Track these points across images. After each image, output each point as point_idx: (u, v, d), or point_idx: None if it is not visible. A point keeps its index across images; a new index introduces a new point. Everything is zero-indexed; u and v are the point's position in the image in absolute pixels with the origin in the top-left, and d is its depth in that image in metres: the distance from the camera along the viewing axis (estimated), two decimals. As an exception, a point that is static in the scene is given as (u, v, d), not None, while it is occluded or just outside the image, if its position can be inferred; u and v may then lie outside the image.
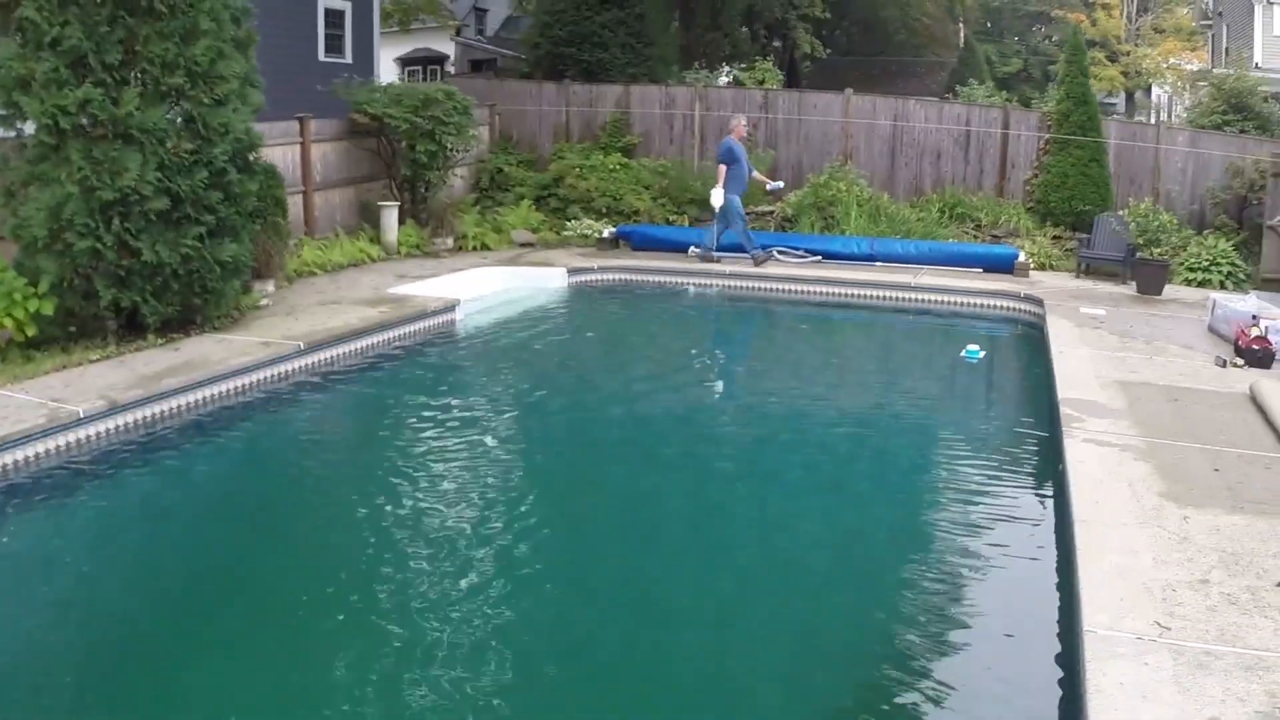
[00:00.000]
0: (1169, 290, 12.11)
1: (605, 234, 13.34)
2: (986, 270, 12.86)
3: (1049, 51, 33.42)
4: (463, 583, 4.59)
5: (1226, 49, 26.71)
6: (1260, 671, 3.69)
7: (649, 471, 6.39)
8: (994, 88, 20.40)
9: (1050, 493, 6.17)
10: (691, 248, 12.92)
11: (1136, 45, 31.08)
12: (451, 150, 12.39)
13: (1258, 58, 23.49)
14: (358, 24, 12.39)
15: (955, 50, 30.36)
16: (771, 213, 14.73)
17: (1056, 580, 4.93)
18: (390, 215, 11.98)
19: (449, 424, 6.97)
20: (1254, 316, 9.13)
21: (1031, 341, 10.31)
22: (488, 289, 10.90)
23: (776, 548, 5.42)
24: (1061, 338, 9.26)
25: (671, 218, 14.29)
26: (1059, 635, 4.42)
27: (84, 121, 6.65)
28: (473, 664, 3.90)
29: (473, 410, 7.40)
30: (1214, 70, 21.80)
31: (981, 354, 9.53)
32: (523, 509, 5.66)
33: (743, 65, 18.43)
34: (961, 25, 30.76)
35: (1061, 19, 32.06)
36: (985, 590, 5.00)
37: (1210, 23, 30.19)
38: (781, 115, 15.25)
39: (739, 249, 12.49)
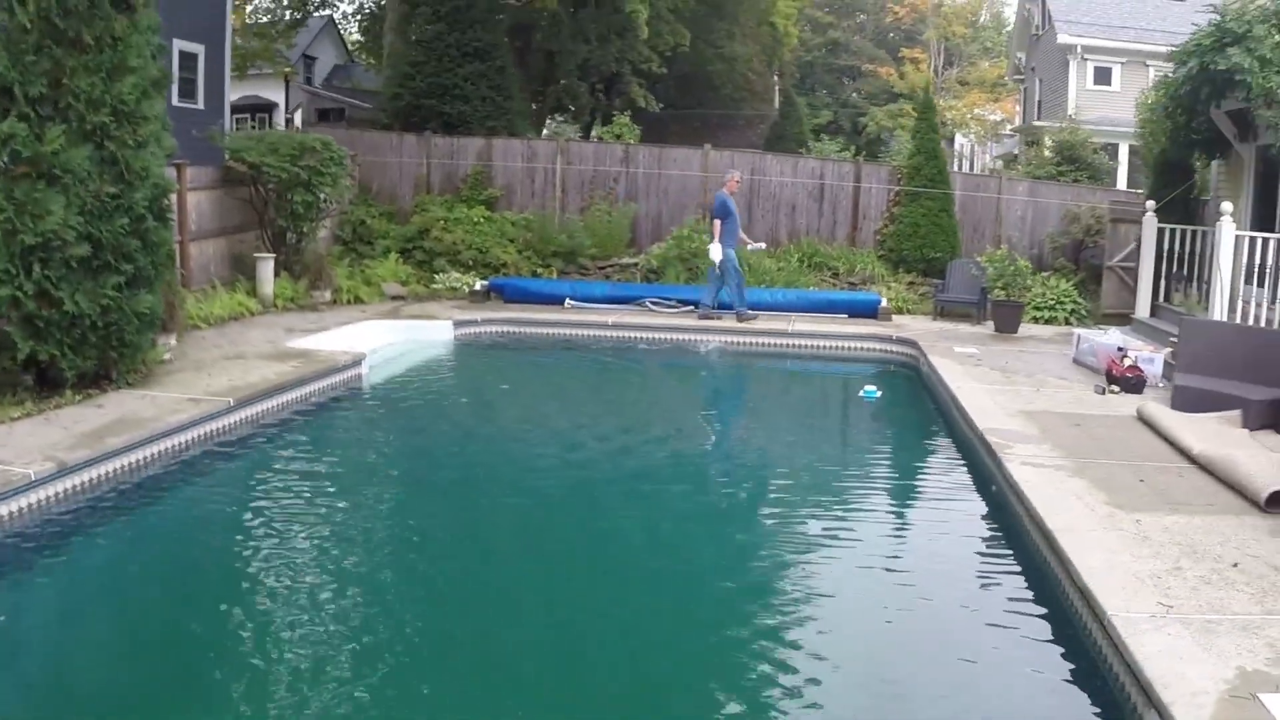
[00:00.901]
0: (1021, 329, 13.72)
1: (477, 286, 13.75)
2: (851, 315, 14.15)
3: (858, 104, 36.48)
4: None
5: (1040, 101, 30.19)
6: (1254, 630, 4.61)
7: (604, 526, 6.77)
8: (844, 143, 22.33)
9: (984, 511, 7.10)
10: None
11: (943, 97, 34.52)
12: (325, 201, 12.54)
13: (1071, 109, 26.78)
14: (210, 68, 12.35)
15: (774, 103, 32.72)
16: (635, 265, 15.54)
17: (1047, 581, 5.76)
18: (266, 267, 11.98)
19: (399, 479, 7.23)
20: (1119, 349, 10.63)
21: (918, 380, 11.51)
22: (379, 342, 11.13)
23: (717, 600, 5.68)
24: (952, 374, 10.43)
25: (539, 270, 14.85)
26: (1072, 622, 5.22)
27: (4, 159, 6.50)
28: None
29: (415, 464, 7.67)
30: (1035, 122, 24.65)
31: (878, 394, 10.54)
32: (469, 564, 6.02)
33: (563, 119, 19.42)
34: (777, 79, 33.18)
35: (871, 73, 35.14)
36: (984, 598, 5.79)
37: (1023, 77, 34.00)
38: (642, 169, 16.18)
39: (729, 306, 13.52)
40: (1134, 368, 10.15)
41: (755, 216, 16.32)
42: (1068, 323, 14.64)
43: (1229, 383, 9.02)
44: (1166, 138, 12.97)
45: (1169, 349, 10.68)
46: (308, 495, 6.76)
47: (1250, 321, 10.42)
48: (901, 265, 15.85)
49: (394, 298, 13.67)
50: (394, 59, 18.93)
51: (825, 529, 6.80)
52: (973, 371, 10.75)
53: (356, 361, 9.90)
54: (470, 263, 14.67)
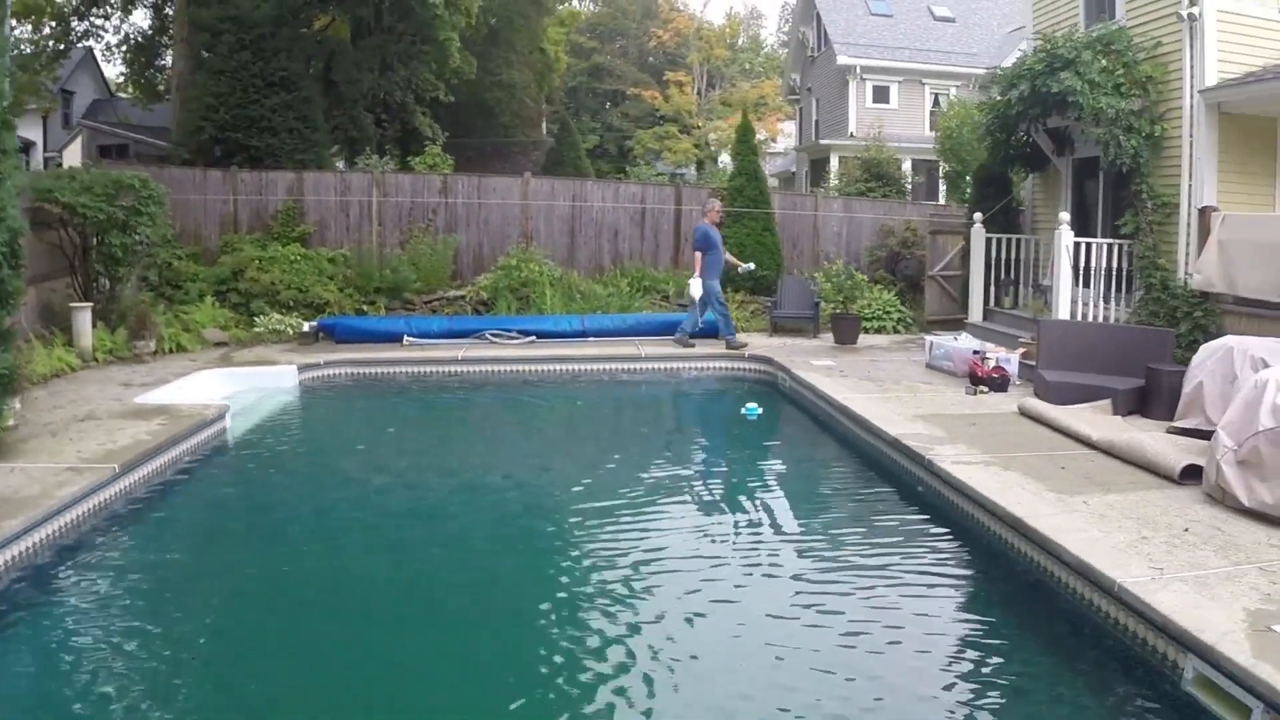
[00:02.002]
0: (859, 339, 15.08)
1: (305, 328, 13.61)
2: (705, 337, 14.99)
3: (623, 128, 37.99)
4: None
5: (818, 121, 32.61)
6: (1235, 579, 5.66)
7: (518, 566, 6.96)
8: (612, 167, 23.41)
9: (919, 511, 8.02)
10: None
11: (707, 119, 36.62)
12: (142, 243, 12.08)
13: (852, 127, 29.17)
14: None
15: (547, 129, 33.70)
16: (463, 297, 15.81)
17: (1017, 565, 6.67)
18: (83, 318, 11.36)
19: (311, 534, 7.23)
20: (975, 351, 12.01)
21: (784, 395, 12.45)
22: (224, 392, 10.94)
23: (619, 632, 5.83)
24: (831, 387, 11.45)
25: (364, 308, 14.86)
26: (1064, 595, 6.11)
27: None
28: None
29: (329, 517, 7.67)
30: (823, 141, 26.62)
31: (759, 410, 11.38)
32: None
33: (375, 153, 19.46)
34: (547, 105, 34.19)
35: (635, 96, 36.76)
36: (950, 591, 6.65)
37: (798, 97, 36.54)
38: (461, 199, 16.49)
39: (714, 332, 14.25)
40: (998, 368, 11.52)
41: (578, 243, 16.97)
42: (895, 331, 16.16)
43: (1094, 375, 10.48)
44: (988, 154, 14.66)
45: (1021, 349, 12.16)
46: (233, 559, 6.72)
47: (1082, 318, 12.04)
48: (729, 285, 16.89)
49: (217, 344, 13.27)
50: (191, 91, 18.29)
51: (778, 549, 7.39)
52: (845, 382, 11.81)
53: (221, 415, 9.72)
54: (291, 303, 14.45)
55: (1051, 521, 6.71)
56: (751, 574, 6.85)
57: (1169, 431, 9.12)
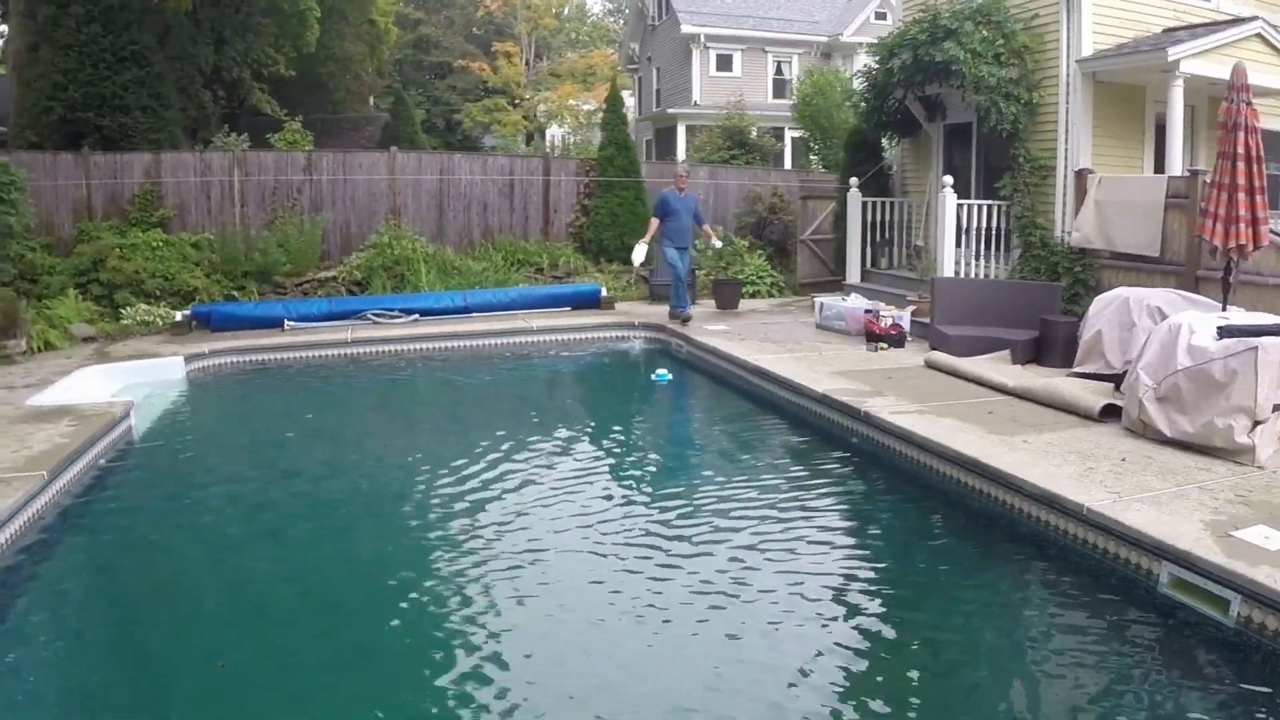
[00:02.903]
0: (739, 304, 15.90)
1: (178, 317, 13.37)
2: (574, 308, 15.52)
3: (451, 101, 37.88)
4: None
5: (659, 90, 33.34)
6: (1183, 498, 6.63)
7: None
8: (439, 141, 23.54)
9: (857, 462, 8.79)
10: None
11: (535, 90, 36.93)
12: (3, 234, 11.62)
13: (696, 96, 30.01)
14: None
15: (380, 104, 33.31)
16: (335, 279, 15.79)
17: (975, 501, 7.52)
18: (-53, 319, 10.92)
19: (258, 531, 7.24)
20: (867, 311, 12.97)
21: (684, 360, 13.06)
22: (112, 388, 10.77)
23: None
24: (740, 349, 12.17)
25: (234, 294, 14.68)
26: (1025, 523, 6.97)
27: None
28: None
29: (269, 511, 7.67)
30: (669, 110, 27.29)
31: (669, 376, 11.98)
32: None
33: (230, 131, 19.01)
34: (379, 79, 33.78)
35: (463, 68, 36.72)
36: (917, 529, 7.46)
37: (637, 66, 37.16)
38: (326, 176, 16.40)
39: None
40: (895, 325, 12.50)
41: (447, 218, 17.15)
42: (770, 295, 17.07)
43: (990, 328, 11.57)
44: (863, 120, 15.67)
45: (911, 306, 13.19)
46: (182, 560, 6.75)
47: (965, 276, 13.16)
48: (603, 255, 17.44)
49: (86, 339, 12.84)
50: (34, 69, 17.32)
51: (739, 516, 7.86)
52: (748, 345, 12.55)
53: (126, 412, 9.53)
54: (157, 292, 14.07)
55: (1006, 459, 7.57)
56: (713, 535, 7.39)
57: (1070, 376, 10.19)
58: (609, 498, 7.93)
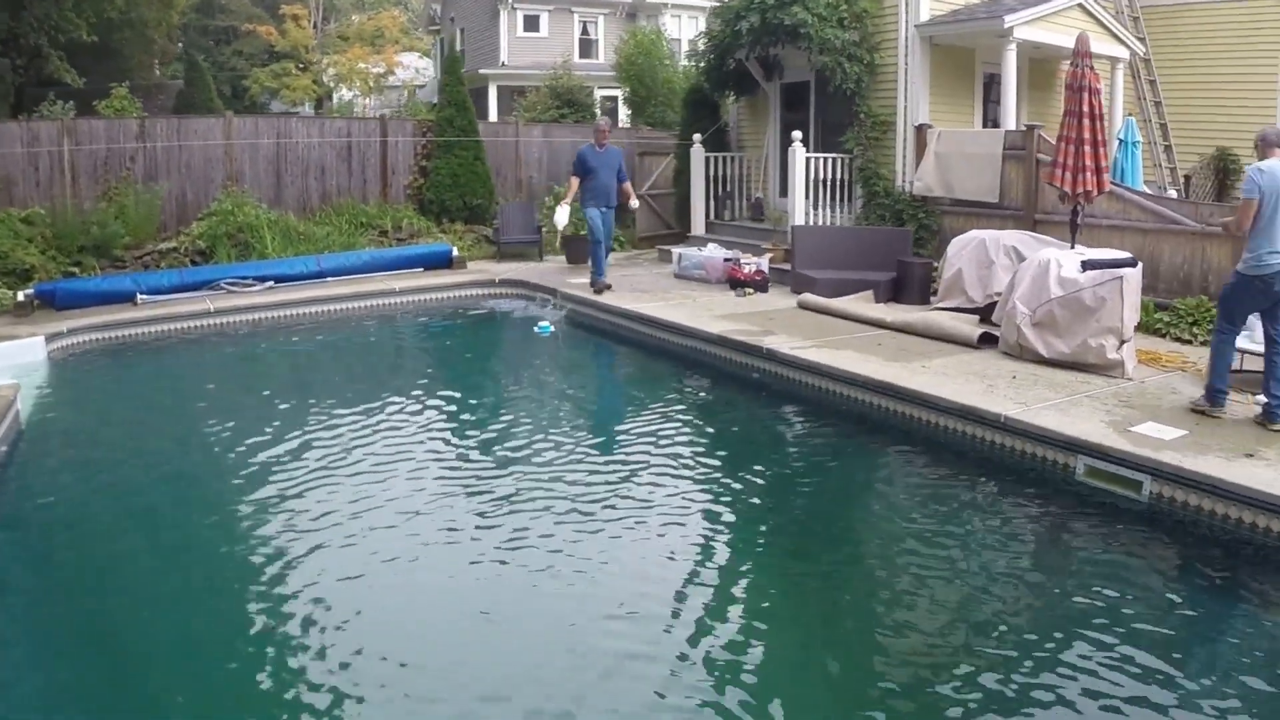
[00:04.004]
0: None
1: (20, 297, 12.92)
2: (427, 268, 15.91)
3: (238, 66, 36.72)
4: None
5: (464, 50, 33.38)
6: (1077, 405, 7.96)
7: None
8: (225, 107, 23.13)
9: (766, 396, 9.80)
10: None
11: (325, 54, 36.27)
12: None
13: (504, 57, 30.32)
14: None
15: (172, 71, 31.99)
16: (177, 249, 15.54)
17: (892, 420, 8.67)
18: None
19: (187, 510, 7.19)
20: (726, 259, 14.05)
21: (561, 312, 13.64)
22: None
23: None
24: (621, 300, 12.93)
25: (72, 270, 14.25)
26: (940, 436, 8.16)
27: None
28: None
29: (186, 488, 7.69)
30: (480, 71, 27.28)
31: (551, 328, 12.64)
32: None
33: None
34: (171, 44, 32.42)
35: (250, 33, 35.67)
36: (852, 451, 8.57)
37: (439, 27, 36.88)
38: (161, 144, 16.04)
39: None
40: (759, 271, 13.62)
41: (285, 183, 17.09)
42: (612, 250, 17.87)
43: (851, 271, 12.82)
44: (705, 78, 16.70)
45: (768, 254, 14.35)
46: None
47: (813, 224, 14.40)
48: (445, 215, 17.84)
49: (-78, 325, 12.35)
50: None
51: (667, 463, 8.84)
52: (623, 296, 13.32)
53: (15, 395, 9.17)
54: (-9, 272, 13.54)
55: (917, 380, 8.76)
56: (662, 468, 8.28)
57: (935, 309, 11.54)
58: (517, 449, 8.19)
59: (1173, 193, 13.69)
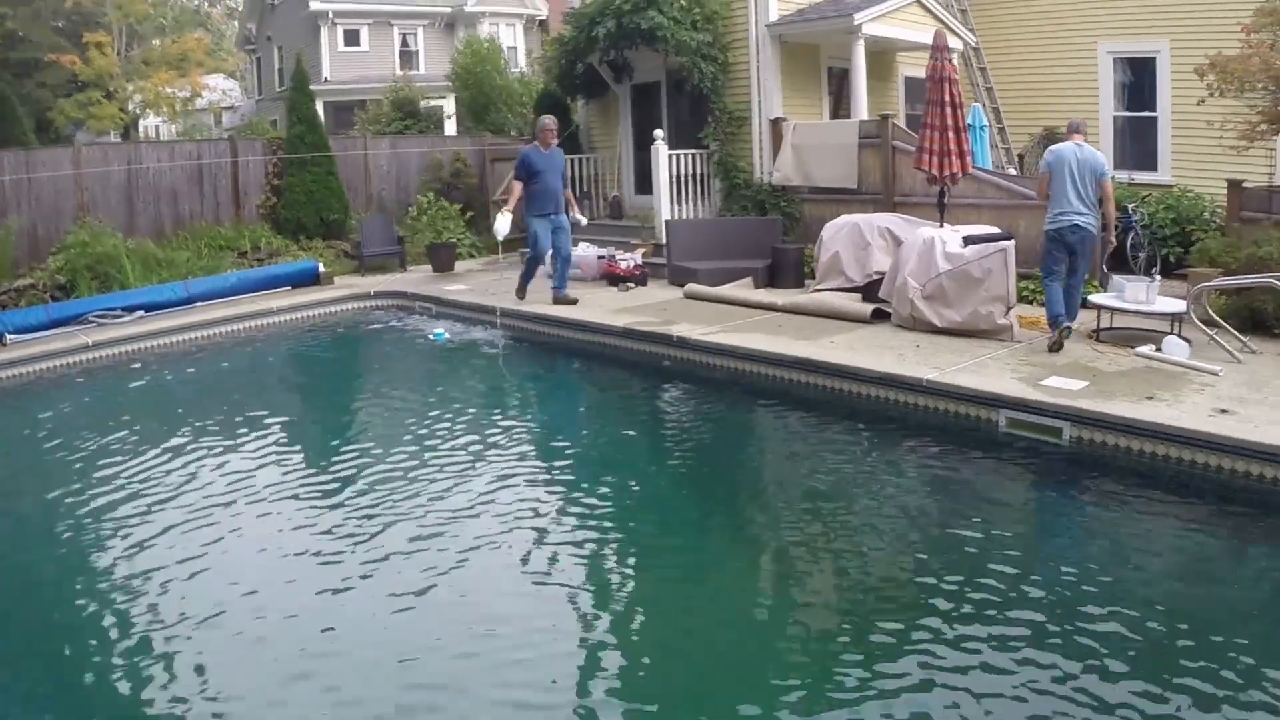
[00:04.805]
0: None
1: None
2: (295, 286, 15.80)
3: (42, 98, 34.91)
4: None
5: (281, 69, 32.65)
6: (986, 366, 8.87)
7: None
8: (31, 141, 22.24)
9: (682, 382, 10.42)
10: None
11: (128, 80, 34.84)
12: None
13: (326, 73, 29.89)
14: None
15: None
16: (34, 285, 14.94)
17: (814, 391, 9.42)
18: None
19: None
20: (601, 256, 14.61)
21: (443, 319, 13.75)
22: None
23: None
24: (509, 302, 13.26)
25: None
26: (864, 404, 8.95)
27: None
28: None
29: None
30: (284, 89, 26.69)
31: (446, 335, 12.76)
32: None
33: None
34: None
35: (54, 63, 33.97)
36: (778, 420, 9.28)
37: (255, 46, 35.87)
38: (8, 177, 15.41)
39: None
40: (639, 266, 14.22)
41: (138, 209, 16.61)
42: (471, 256, 18.21)
43: (728, 261, 13.55)
44: (557, 84, 17.19)
45: (639, 249, 14.97)
46: None
47: (677, 218, 15.07)
48: (302, 233, 17.72)
49: None
50: None
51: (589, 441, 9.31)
52: (508, 298, 13.63)
53: None
54: None
55: (833, 355, 9.52)
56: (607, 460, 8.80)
57: (815, 291, 12.35)
58: (453, 465, 8.29)
59: (1011, 170, 15.01)
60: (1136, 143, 14.73)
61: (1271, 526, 6.45)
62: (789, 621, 5.49)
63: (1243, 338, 9.17)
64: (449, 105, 26.83)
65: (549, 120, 12.79)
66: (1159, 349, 8.96)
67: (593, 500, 7.29)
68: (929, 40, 13.97)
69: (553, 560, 6.17)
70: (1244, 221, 10.34)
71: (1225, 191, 11.27)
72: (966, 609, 5.32)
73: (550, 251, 12.86)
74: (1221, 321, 9.23)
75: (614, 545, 6.54)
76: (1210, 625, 5.11)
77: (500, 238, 13.13)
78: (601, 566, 6.23)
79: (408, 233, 17.43)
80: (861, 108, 14.39)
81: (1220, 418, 7.21)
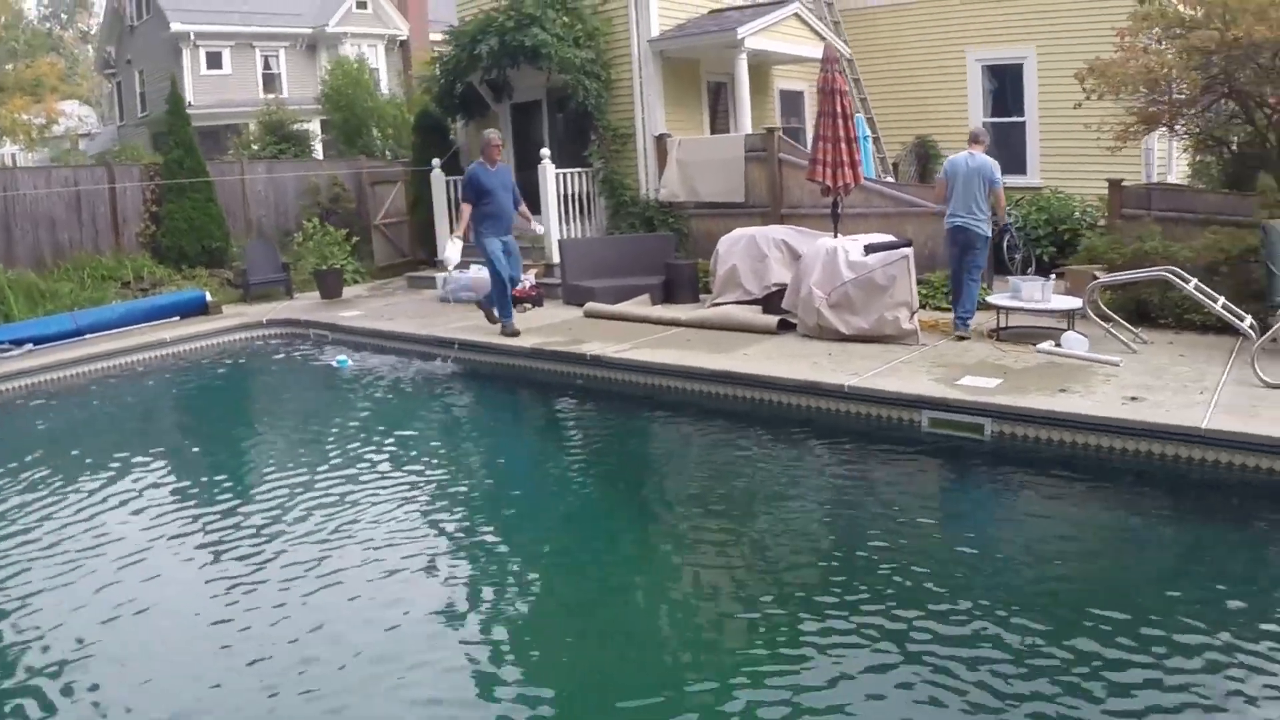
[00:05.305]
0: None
1: None
2: (183, 316, 15.33)
3: None
4: None
5: (143, 94, 31.57)
6: (900, 369, 9.16)
7: None
8: None
9: (598, 401, 10.44)
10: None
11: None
12: None
13: (189, 97, 28.95)
14: None
15: None
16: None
17: (732, 402, 9.58)
18: None
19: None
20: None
21: (344, 346, 13.50)
22: None
23: None
24: (416, 327, 13.12)
25: None
26: (802, 406, 9.17)
27: None
28: None
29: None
30: (145, 114, 25.96)
31: (350, 362, 12.52)
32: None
33: None
34: None
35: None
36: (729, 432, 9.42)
37: (114, 70, 34.53)
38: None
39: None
40: (535, 286, 14.22)
41: (15, 239, 15.88)
42: (355, 282, 17.94)
43: (623, 278, 13.66)
44: (437, 104, 17.05)
45: (534, 269, 14.98)
46: None
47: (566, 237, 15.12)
48: (184, 261, 17.17)
49: None
50: None
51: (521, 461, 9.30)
52: (406, 322, 13.46)
53: None
54: None
55: (751, 367, 9.69)
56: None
57: (714, 305, 12.52)
58: (368, 489, 8.23)
59: (889, 179, 15.51)
60: (1006, 148, 15.38)
61: (1186, 502, 6.94)
62: (701, 623, 5.58)
63: (1134, 329, 9.67)
64: (314, 127, 26.35)
65: (494, 135, 11.87)
66: (1059, 344, 9.38)
67: (512, 519, 7.25)
68: (807, 53, 14.46)
69: (450, 580, 6.15)
70: (1125, 218, 10.94)
71: (1093, 192, 11.91)
72: (893, 603, 5.43)
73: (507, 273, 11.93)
74: (1114, 315, 9.72)
75: (530, 560, 6.49)
76: (1133, 592, 5.52)
77: (450, 266, 12.31)
78: (510, 583, 6.14)
79: (292, 259, 17.06)
80: (745, 122, 14.69)
81: (1133, 404, 7.62)
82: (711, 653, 5.18)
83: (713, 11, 15.30)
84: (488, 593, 5.96)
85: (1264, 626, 4.99)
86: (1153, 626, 5.00)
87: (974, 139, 10.51)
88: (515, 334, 11.81)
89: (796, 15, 15.27)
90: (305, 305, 15.73)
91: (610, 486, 8.11)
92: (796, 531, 6.84)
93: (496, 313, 12.01)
